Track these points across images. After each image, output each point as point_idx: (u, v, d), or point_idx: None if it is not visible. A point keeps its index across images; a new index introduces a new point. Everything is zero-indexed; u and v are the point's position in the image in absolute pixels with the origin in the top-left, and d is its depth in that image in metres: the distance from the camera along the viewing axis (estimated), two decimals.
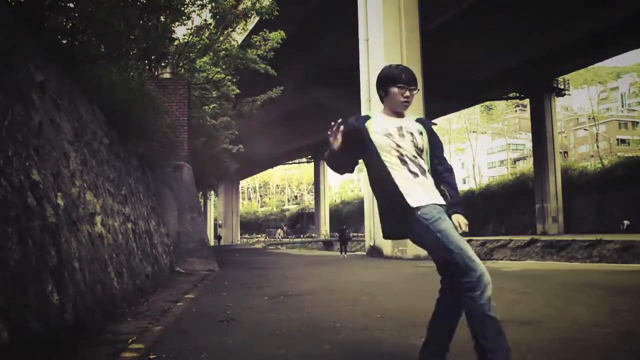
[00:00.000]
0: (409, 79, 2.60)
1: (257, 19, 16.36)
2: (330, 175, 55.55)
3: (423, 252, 15.59)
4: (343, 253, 18.23)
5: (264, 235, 66.25)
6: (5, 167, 2.76)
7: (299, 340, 3.50)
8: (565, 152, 55.59)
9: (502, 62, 28.43)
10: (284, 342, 3.42)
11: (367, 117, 2.64)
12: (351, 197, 63.85)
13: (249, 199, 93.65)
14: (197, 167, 14.26)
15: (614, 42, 26.17)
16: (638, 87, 72.05)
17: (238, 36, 17.30)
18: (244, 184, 79.88)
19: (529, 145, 45.92)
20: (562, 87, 33.26)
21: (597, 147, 47.64)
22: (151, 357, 3.08)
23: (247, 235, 66.71)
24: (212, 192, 50.53)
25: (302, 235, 56.41)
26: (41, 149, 3.48)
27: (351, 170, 2.75)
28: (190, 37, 13.82)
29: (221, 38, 14.56)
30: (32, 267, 2.78)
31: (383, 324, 4.06)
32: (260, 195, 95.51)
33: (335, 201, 64.98)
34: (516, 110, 72.62)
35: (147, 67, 10.99)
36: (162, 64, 11.41)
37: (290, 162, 58.20)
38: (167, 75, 11.89)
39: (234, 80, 16.82)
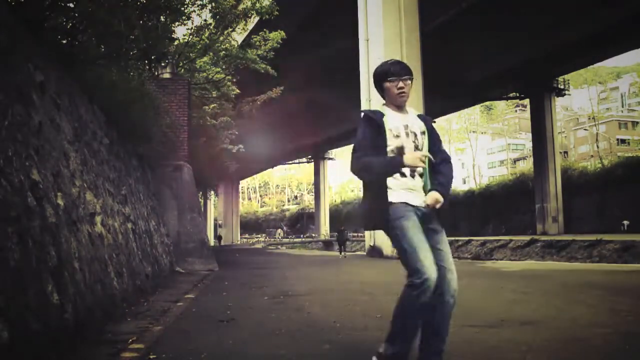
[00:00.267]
0: (400, 70, 2.62)
1: (257, 19, 16.37)
2: (330, 176, 55.61)
3: None
4: (342, 253, 18.43)
5: (264, 235, 66.26)
6: (5, 167, 2.76)
7: (299, 340, 3.50)
8: (565, 152, 55.58)
9: (502, 62, 28.43)
10: (284, 342, 3.43)
11: (382, 114, 2.63)
12: (351, 197, 63.84)
13: (249, 199, 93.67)
14: (197, 167, 14.26)
15: (614, 42, 26.16)
16: (638, 87, 72.04)
17: (238, 36, 17.31)
18: (244, 184, 79.88)
19: (529, 145, 45.91)
20: (562, 87, 33.25)
21: (597, 147, 47.63)
22: (151, 357, 3.08)
23: (247, 235, 66.71)
24: (212, 192, 50.53)
25: (302, 236, 56.42)
26: (41, 149, 3.48)
27: None
28: (190, 37, 13.83)
29: (221, 38, 14.57)
30: (32, 267, 2.78)
31: (383, 323, 4.05)
32: (260, 195, 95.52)
33: (335, 201, 64.99)
34: (516, 110, 72.60)
35: (147, 67, 10.98)
36: (162, 64, 11.40)
37: (290, 162, 58.19)
38: (167, 75, 11.89)
39: (234, 80, 16.82)
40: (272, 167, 62.71)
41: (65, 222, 3.60)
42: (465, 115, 61.28)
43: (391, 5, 15.46)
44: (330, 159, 52.60)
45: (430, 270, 2.33)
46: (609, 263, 13.91)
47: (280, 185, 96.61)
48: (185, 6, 9.51)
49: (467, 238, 25.84)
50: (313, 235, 52.26)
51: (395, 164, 2.46)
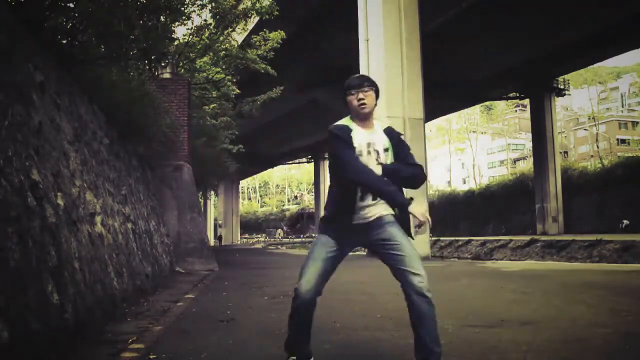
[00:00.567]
0: (358, 82, 2.62)
1: (257, 19, 16.36)
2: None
3: (423, 252, 15.63)
4: None
5: (264, 235, 66.23)
6: (5, 167, 2.76)
7: None
8: (565, 152, 55.59)
9: (502, 62, 28.43)
10: (284, 342, 3.42)
11: (350, 129, 2.61)
12: None
13: (249, 199, 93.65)
14: (197, 167, 14.26)
15: (614, 42, 26.16)
16: (638, 87, 72.02)
17: (238, 36, 17.29)
18: (244, 184, 79.87)
19: (529, 145, 45.91)
20: (562, 87, 33.25)
21: (597, 147, 47.63)
22: (151, 357, 3.08)
23: (247, 235, 66.70)
24: (212, 192, 50.51)
25: (302, 235, 56.39)
26: (41, 149, 3.48)
27: None
28: (190, 37, 13.82)
29: (221, 38, 14.55)
30: (32, 267, 2.78)
31: (383, 323, 4.06)
32: (260, 195, 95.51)
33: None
34: (516, 110, 72.59)
35: (147, 67, 10.98)
36: (162, 64, 11.40)
37: (290, 162, 58.17)
38: (167, 75, 11.88)
39: (234, 80, 16.81)
40: (272, 167, 62.69)
41: (65, 222, 3.60)
42: (465, 115, 61.25)
43: (391, 6, 15.45)
44: None
45: (304, 281, 2.54)
46: (609, 263, 13.91)
47: (280, 185, 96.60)
48: (185, 6, 9.51)
49: (467, 238, 25.85)
50: (313, 235, 52.24)
51: (398, 202, 2.47)
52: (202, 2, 12.21)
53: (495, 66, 29.07)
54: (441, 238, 28.03)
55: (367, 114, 2.60)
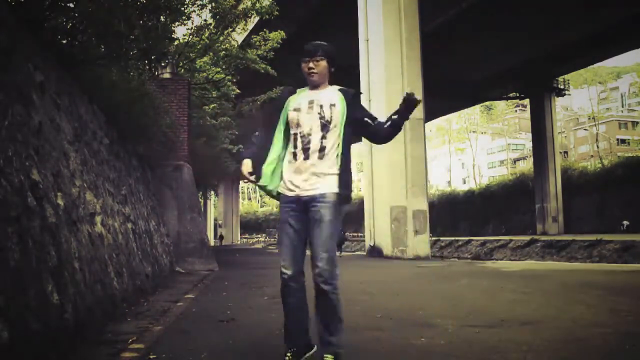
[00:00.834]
0: (311, 50, 2.68)
1: (257, 19, 16.37)
2: None
3: (423, 252, 15.60)
4: (339, 253, 18.58)
5: (264, 235, 66.20)
6: (5, 167, 2.76)
7: None
8: (565, 152, 55.61)
9: (502, 62, 28.45)
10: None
11: (292, 91, 2.73)
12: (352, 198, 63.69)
13: (249, 199, 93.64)
14: (197, 167, 14.26)
15: (614, 42, 26.19)
16: (638, 87, 72.07)
17: (238, 36, 17.30)
18: (243, 183, 79.83)
19: (529, 145, 45.94)
20: (562, 87, 33.29)
21: (597, 147, 47.67)
22: (151, 357, 3.08)
23: (247, 235, 66.70)
24: (212, 192, 50.52)
25: None
26: (41, 149, 3.48)
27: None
28: (190, 37, 13.83)
29: (221, 38, 14.56)
30: (32, 267, 2.78)
31: (383, 323, 4.06)
32: (260, 195, 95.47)
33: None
34: (516, 110, 72.61)
35: (147, 67, 10.98)
36: (162, 64, 11.40)
37: None
38: (167, 75, 11.89)
39: (234, 80, 16.83)
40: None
41: (65, 222, 3.61)
42: (465, 115, 61.31)
43: (391, 6, 15.46)
44: None
45: (288, 266, 2.52)
46: (609, 263, 13.92)
47: None
48: (185, 6, 9.51)
49: (467, 238, 25.87)
50: None
51: (240, 158, 2.69)
52: (202, 2, 12.22)
53: (495, 66, 29.09)
54: (441, 238, 28.05)
55: (315, 81, 2.66)
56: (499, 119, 73.27)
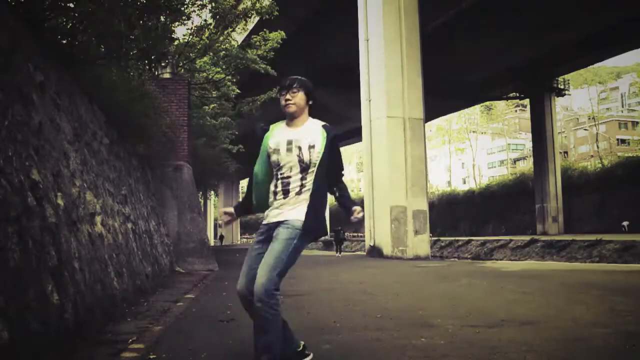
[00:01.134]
0: (287, 83, 2.65)
1: (257, 19, 16.36)
2: None
3: (423, 252, 15.60)
4: (338, 252, 18.71)
5: None
6: (5, 167, 2.76)
7: None
8: (565, 152, 55.63)
9: (502, 62, 28.45)
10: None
11: (266, 130, 2.69)
12: (352, 198, 63.66)
13: None
14: (197, 167, 14.27)
15: (614, 42, 26.19)
16: (638, 87, 72.04)
17: (238, 36, 17.31)
18: (243, 184, 79.78)
19: (529, 145, 45.92)
20: (562, 87, 33.29)
21: (597, 147, 47.68)
22: (151, 357, 3.08)
23: (247, 235, 66.66)
24: (212, 192, 50.51)
25: None
26: (41, 149, 3.48)
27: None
28: (190, 37, 13.82)
29: (221, 38, 14.56)
30: (32, 267, 2.78)
31: (383, 323, 4.06)
32: None
33: (334, 201, 64.78)
34: (516, 110, 72.60)
35: (147, 67, 10.96)
36: (162, 64, 11.39)
37: None
38: (167, 75, 11.89)
39: (234, 80, 16.82)
40: None
41: (65, 222, 3.60)
42: (465, 115, 61.26)
43: (391, 5, 15.47)
44: None
45: (240, 284, 2.56)
46: (609, 263, 13.92)
47: None
48: (185, 6, 9.50)
49: (467, 238, 25.86)
50: None
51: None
52: (202, 2, 12.20)
53: (495, 66, 29.08)
54: (441, 238, 28.05)
55: (292, 113, 2.62)
56: (499, 119, 73.23)
